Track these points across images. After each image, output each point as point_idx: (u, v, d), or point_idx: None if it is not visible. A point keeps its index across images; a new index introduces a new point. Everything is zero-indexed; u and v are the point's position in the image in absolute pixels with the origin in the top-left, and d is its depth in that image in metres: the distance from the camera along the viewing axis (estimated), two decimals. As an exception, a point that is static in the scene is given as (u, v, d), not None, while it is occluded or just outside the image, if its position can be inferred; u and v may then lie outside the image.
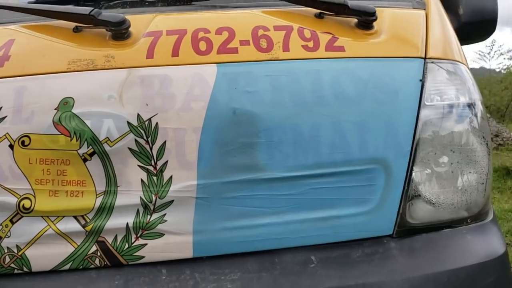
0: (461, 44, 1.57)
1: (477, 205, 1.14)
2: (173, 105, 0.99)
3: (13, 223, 0.99)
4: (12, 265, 0.99)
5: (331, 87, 1.05)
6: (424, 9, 1.27)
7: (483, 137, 1.14)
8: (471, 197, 1.12)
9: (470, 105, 1.15)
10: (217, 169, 1.00)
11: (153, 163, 0.99)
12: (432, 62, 1.14)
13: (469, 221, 1.13)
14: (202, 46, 1.05)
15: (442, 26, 1.27)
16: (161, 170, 0.99)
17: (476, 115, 1.15)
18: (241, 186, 1.01)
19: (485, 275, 1.05)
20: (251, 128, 1.00)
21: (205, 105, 0.99)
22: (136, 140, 0.98)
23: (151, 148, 0.99)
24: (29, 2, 1.23)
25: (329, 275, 0.99)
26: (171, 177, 0.99)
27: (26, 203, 0.98)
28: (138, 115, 0.98)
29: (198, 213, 1.00)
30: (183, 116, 0.99)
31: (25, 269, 0.99)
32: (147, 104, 0.99)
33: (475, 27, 1.56)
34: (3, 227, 0.99)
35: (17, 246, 0.99)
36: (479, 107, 1.17)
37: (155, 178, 0.99)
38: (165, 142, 0.99)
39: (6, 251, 0.99)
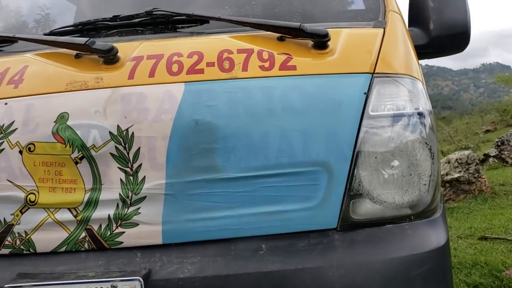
0: (435, 57, 1.70)
1: (421, 204, 1.27)
2: (146, 117, 1.20)
3: (22, 213, 1.23)
4: (22, 246, 1.24)
5: (280, 101, 1.22)
6: (383, 28, 1.41)
7: (426, 143, 1.27)
8: (413, 197, 1.25)
9: (416, 115, 1.28)
10: (182, 170, 1.20)
11: (129, 166, 1.20)
12: (380, 77, 1.28)
13: (412, 218, 1.26)
14: (175, 68, 1.26)
15: (398, 43, 1.40)
16: (136, 171, 1.20)
17: (422, 124, 1.28)
18: (202, 185, 1.20)
19: (418, 265, 1.18)
20: (211, 136, 1.19)
21: (173, 117, 1.20)
22: (116, 147, 1.20)
23: (128, 153, 1.20)
24: (44, 34, 1.50)
25: (273, 260, 1.16)
26: (144, 177, 1.20)
27: (32, 197, 1.23)
28: (118, 126, 1.20)
29: (167, 207, 1.20)
30: (154, 126, 1.20)
31: (31, 250, 1.24)
32: (125, 117, 1.21)
33: (446, 40, 1.67)
34: (14, 216, 1.23)
35: (25, 231, 1.23)
36: (426, 117, 1.30)
37: (131, 177, 1.20)
38: (139, 148, 1.20)
39: (17, 235, 1.24)
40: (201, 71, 1.25)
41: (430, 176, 1.27)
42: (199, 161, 1.20)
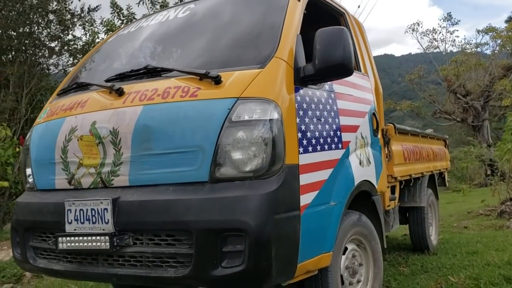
0: (323, 81, 2.58)
1: (258, 172, 2.20)
2: (124, 122, 2.42)
3: (77, 169, 2.57)
4: (76, 185, 2.58)
5: (183, 112, 2.31)
6: (262, 68, 2.38)
7: (264, 137, 2.20)
8: (252, 168, 2.20)
9: (261, 121, 2.23)
10: (137, 149, 2.38)
11: (116, 147, 2.43)
12: (243, 99, 2.27)
13: (252, 178, 2.21)
14: (141, 97, 2.46)
15: (266, 79, 2.35)
16: (119, 150, 2.42)
17: (264, 126, 2.22)
18: (145, 157, 2.35)
19: (246, 201, 2.12)
20: (149, 132, 2.35)
21: (134, 122, 2.39)
22: (111, 137, 2.45)
23: (116, 140, 2.43)
24: (105, 80, 2.84)
25: (175, 194, 2.23)
26: (122, 152, 2.41)
27: (80, 161, 2.56)
28: (113, 127, 2.45)
29: (131, 167, 2.39)
30: (127, 127, 2.41)
31: (79, 187, 2.57)
32: (116, 122, 2.45)
33: (327, 70, 2.50)
34: (74, 170, 2.58)
35: (77, 178, 2.57)
36: (273, 124, 2.22)
37: (117, 152, 2.43)
38: (120, 138, 2.42)
39: (76, 180, 2.58)
40: (152, 98, 2.43)
41: (264, 156, 2.20)
42: (144, 144, 2.37)
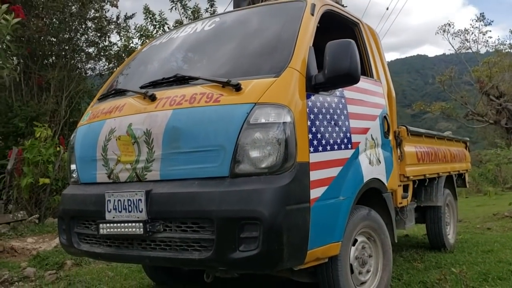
0: (332, 89, 2.88)
1: (272, 168, 2.52)
2: (156, 124, 2.78)
3: (116, 165, 2.94)
4: (115, 178, 2.95)
5: (207, 116, 2.65)
6: (277, 77, 2.70)
7: (278, 138, 2.51)
8: (268, 164, 2.52)
9: (275, 124, 2.54)
10: (167, 147, 2.73)
11: (149, 146, 2.79)
12: (260, 104, 2.59)
13: (267, 174, 2.52)
14: (171, 103, 2.81)
15: (280, 87, 2.66)
16: (151, 148, 2.77)
17: (278, 129, 2.53)
18: (174, 154, 2.70)
19: (260, 193, 2.43)
20: (178, 133, 2.70)
21: (165, 124, 2.74)
22: (145, 137, 2.80)
23: (149, 140, 2.79)
24: (140, 87, 3.19)
25: (200, 187, 2.57)
26: (154, 150, 2.77)
27: (118, 158, 2.93)
28: (146, 128, 2.81)
29: (162, 163, 2.74)
30: (158, 128, 2.76)
31: (117, 181, 2.94)
32: (149, 124, 2.81)
33: (336, 80, 2.80)
34: (113, 166, 2.95)
35: (116, 173, 2.94)
36: (286, 126, 2.53)
37: (149, 150, 2.78)
38: (153, 138, 2.77)
39: (114, 174, 2.95)
40: (181, 103, 2.77)
41: (278, 154, 2.51)
42: (173, 144, 2.71)
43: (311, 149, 2.71)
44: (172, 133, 2.73)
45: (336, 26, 3.83)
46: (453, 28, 25.05)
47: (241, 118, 2.58)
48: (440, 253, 5.14)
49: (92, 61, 10.75)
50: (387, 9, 21.48)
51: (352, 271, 3.15)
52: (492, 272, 4.05)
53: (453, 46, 28.22)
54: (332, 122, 2.96)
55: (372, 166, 3.37)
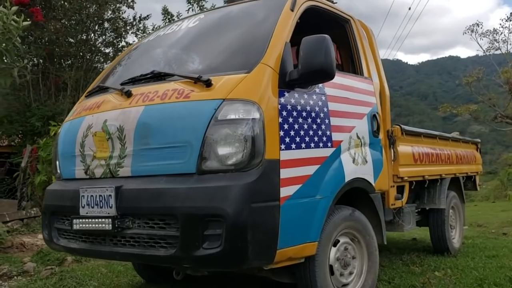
0: (307, 85, 2.82)
1: (238, 165, 2.47)
2: (129, 120, 2.77)
3: (92, 161, 2.96)
4: (90, 174, 2.97)
5: (177, 111, 2.63)
6: (248, 73, 2.66)
7: (245, 134, 2.47)
8: (234, 161, 2.47)
9: (244, 121, 2.50)
10: (138, 143, 2.72)
11: (122, 142, 2.79)
12: (228, 100, 2.56)
13: (233, 170, 2.48)
14: (144, 99, 2.80)
15: (250, 80, 2.62)
16: (124, 144, 2.77)
17: (247, 125, 2.49)
18: (144, 150, 2.70)
19: (224, 190, 2.39)
20: (148, 129, 2.69)
21: (136, 120, 2.74)
22: (118, 133, 2.81)
23: (121, 136, 2.80)
24: (120, 84, 3.20)
25: (167, 183, 2.55)
26: (126, 146, 2.77)
27: (94, 154, 2.94)
28: (119, 124, 2.81)
29: (133, 159, 2.74)
30: (131, 124, 2.76)
31: (92, 176, 2.95)
32: (122, 120, 2.81)
33: (310, 76, 2.74)
34: (89, 162, 2.97)
35: (92, 169, 2.96)
36: (254, 123, 2.49)
37: (122, 146, 2.78)
38: (125, 134, 2.77)
39: (90, 170, 2.97)
40: (153, 99, 2.77)
41: (244, 151, 2.47)
42: (144, 140, 2.71)
43: (282, 146, 2.66)
44: (143, 129, 2.72)
45: (326, 23, 3.77)
46: (481, 28, 24.33)
47: (208, 114, 2.55)
48: (442, 257, 4.98)
49: (109, 61, 10.91)
50: (409, 9, 21.03)
51: (332, 273, 3.08)
52: (489, 277, 3.90)
53: (481, 47, 27.50)
54: (309, 120, 2.90)
55: (356, 166, 3.29)
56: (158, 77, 2.95)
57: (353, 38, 3.79)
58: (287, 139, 2.70)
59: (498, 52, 24.73)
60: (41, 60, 9.92)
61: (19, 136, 9.78)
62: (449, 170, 5.16)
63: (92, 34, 10.49)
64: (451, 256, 5.06)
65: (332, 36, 4.05)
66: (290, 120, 2.75)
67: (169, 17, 12.19)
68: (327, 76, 2.77)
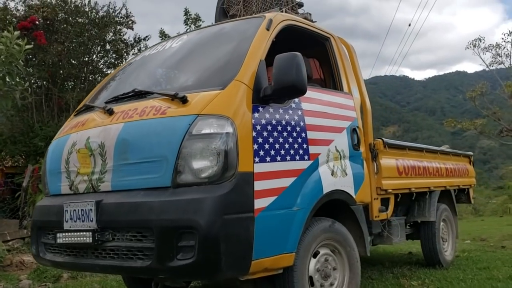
0: (281, 100, 2.92)
1: (212, 178, 2.56)
2: (109, 136, 2.89)
3: (76, 177, 3.07)
4: (74, 190, 3.07)
5: (153, 127, 2.74)
6: (222, 89, 2.77)
7: (218, 148, 2.56)
8: (208, 175, 2.56)
9: (217, 135, 2.60)
10: (118, 159, 2.83)
11: (103, 158, 2.90)
12: (202, 115, 2.66)
13: (207, 184, 2.57)
14: (124, 116, 2.92)
15: (223, 99, 2.73)
16: (105, 160, 2.88)
17: (220, 139, 2.58)
18: (123, 166, 2.80)
19: (198, 202, 2.48)
20: (126, 145, 2.80)
21: (116, 137, 2.85)
22: (99, 149, 2.92)
23: (103, 152, 2.91)
24: (105, 102, 3.33)
25: (145, 197, 2.65)
26: (107, 162, 2.88)
27: (78, 170, 3.05)
28: (101, 141, 2.92)
29: (113, 174, 2.84)
30: (111, 140, 2.87)
31: (76, 192, 3.06)
32: (103, 137, 2.92)
33: (282, 92, 2.84)
34: (74, 178, 3.08)
35: (76, 184, 3.06)
36: (228, 137, 2.59)
37: (103, 162, 2.89)
38: (106, 150, 2.88)
39: (74, 185, 3.07)
40: (132, 116, 2.88)
41: (217, 164, 2.56)
42: (122, 155, 2.81)
43: (257, 159, 2.75)
44: (122, 145, 2.83)
45: (307, 40, 3.89)
46: (483, 42, 24.38)
47: (183, 129, 2.65)
48: (434, 270, 5.01)
49: (111, 82, 11.12)
50: (409, 25, 21.20)
51: (312, 284, 3.13)
52: (474, 288, 3.93)
53: (484, 62, 27.49)
54: (284, 133, 2.99)
55: (335, 178, 3.37)
56: (139, 95, 3.07)
57: (333, 55, 3.90)
58: (261, 152, 2.79)
59: (502, 66, 24.75)
60: (44, 82, 10.13)
61: (23, 156, 9.96)
62: (439, 183, 5.21)
63: (94, 56, 10.72)
64: (443, 268, 5.07)
65: (314, 53, 4.23)
66: (265, 134, 2.84)
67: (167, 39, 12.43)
68: (298, 91, 2.88)
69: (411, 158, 4.69)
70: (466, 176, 6.11)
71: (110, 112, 3.04)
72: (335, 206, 3.47)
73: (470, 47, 24.84)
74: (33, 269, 5.89)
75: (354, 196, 3.56)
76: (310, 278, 3.12)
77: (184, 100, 2.76)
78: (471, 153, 6.52)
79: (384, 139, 4.15)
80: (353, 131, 3.70)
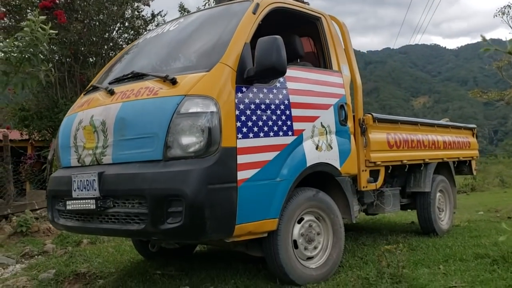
0: (264, 81, 3.19)
1: (198, 152, 2.88)
2: (109, 114, 3.22)
3: (83, 151, 3.43)
4: (81, 162, 3.44)
5: (147, 106, 3.06)
6: (208, 71, 3.05)
7: (202, 125, 2.87)
8: (194, 149, 2.88)
9: (202, 114, 2.90)
10: (117, 134, 3.17)
11: (104, 134, 3.25)
12: (189, 96, 2.96)
13: (193, 157, 2.89)
14: (123, 96, 3.25)
15: (208, 80, 3.01)
16: (106, 135, 3.23)
17: (205, 117, 2.89)
18: (122, 141, 3.14)
19: (185, 174, 2.81)
20: (124, 122, 3.13)
21: (115, 115, 3.19)
22: (101, 126, 3.26)
23: (104, 129, 3.25)
24: (108, 83, 3.66)
25: (140, 168, 2.98)
26: (108, 137, 3.22)
27: (84, 145, 3.42)
28: (102, 119, 3.27)
29: (113, 148, 3.19)
30: (111, 118, 3.21)
31: (83, 164, 3.43)
32: (104, 115, 3.26)
33: (263, 73, 3.11)
34: (82, 152, 3.44)
35: (83, 158, 3.43)
36: (212, 116, 2.89)
37: (104, 137, 3.24)
38: (107, 127, 3.23)
39: (82, 159, 3.44)
40: (129, 96, 3.20)
41: (202, 140, 2.87)
42: (121, 132, 3.15)
43: (239, 135, 3.04)
44: (120, 122, 3.16)
45: (298, 21, 4.11)
46: (513, 9, 23.62)
47: (172, 108, 2.95)
48: (428, 238, 5.25)
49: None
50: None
51: (296, 246, 3.45)
52: (457, 254, 4.18)
53: (514, 30, 26.67)
54: (268, 112, 3.26)
55: (319, 152, 3.64)
56: (136, 76, 3.39)
57: (323, 34, 4.11)
58: (244, 129, 3.08)
59: (531, 34, 23.98)
60: (67, 59, 10.56)
61: (49, 131, 10.50)
62: (435, 155, 5.40)
63: (114, 33, 11.08)
64: (436, 237, 5.31)
65: (307, 32, 4.44)
66: (248, 112, 3.12)
67: (186, 13, 12.65)
68: (278, 73, 3.14)
69: (404, 132, 4.89)
70: (467, 148, 6.25)
71: (111, 93, 3.37)
72: (322, 177, 3.76)
73: (499, 14, 24.17)
74: (57, 235, 6.40)
75: (339, 168, 3.83)
76: (294, 241, 3.44)
77: (173, 82, 3.06)
78: (474, 125, 6.63)
79: (374, 114, 4.36)
80: (341, 107, 3.94)
